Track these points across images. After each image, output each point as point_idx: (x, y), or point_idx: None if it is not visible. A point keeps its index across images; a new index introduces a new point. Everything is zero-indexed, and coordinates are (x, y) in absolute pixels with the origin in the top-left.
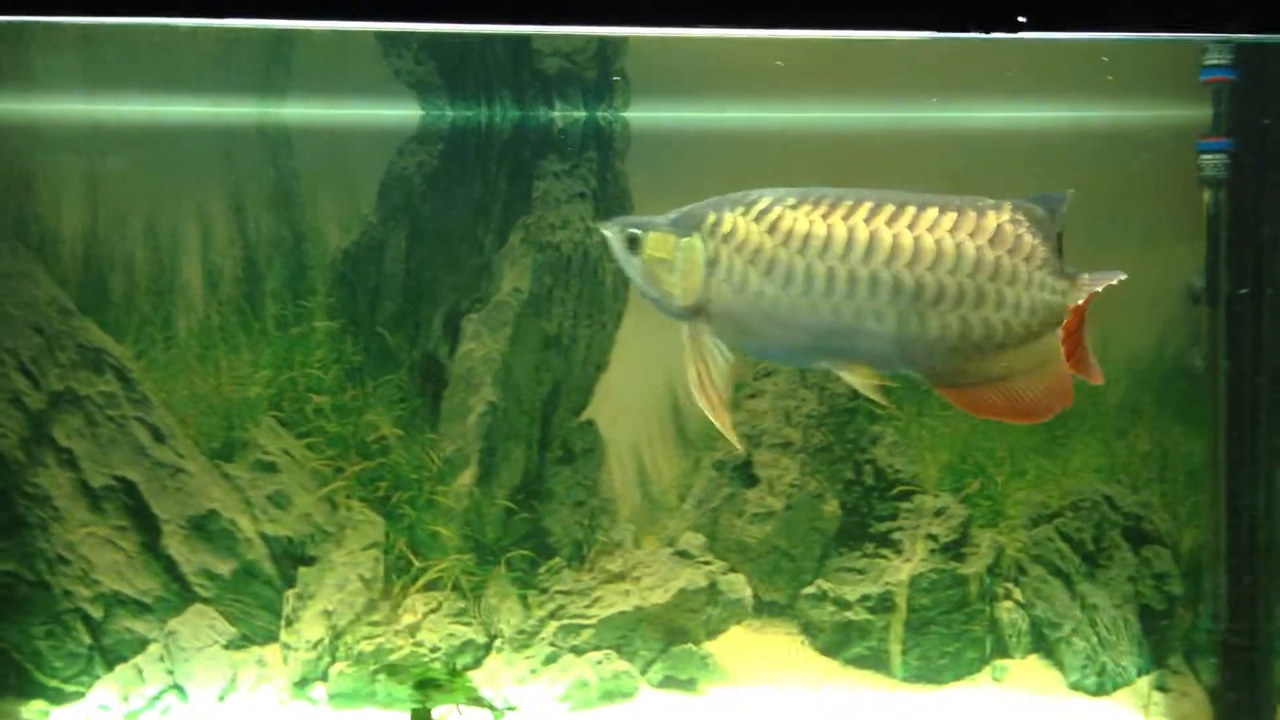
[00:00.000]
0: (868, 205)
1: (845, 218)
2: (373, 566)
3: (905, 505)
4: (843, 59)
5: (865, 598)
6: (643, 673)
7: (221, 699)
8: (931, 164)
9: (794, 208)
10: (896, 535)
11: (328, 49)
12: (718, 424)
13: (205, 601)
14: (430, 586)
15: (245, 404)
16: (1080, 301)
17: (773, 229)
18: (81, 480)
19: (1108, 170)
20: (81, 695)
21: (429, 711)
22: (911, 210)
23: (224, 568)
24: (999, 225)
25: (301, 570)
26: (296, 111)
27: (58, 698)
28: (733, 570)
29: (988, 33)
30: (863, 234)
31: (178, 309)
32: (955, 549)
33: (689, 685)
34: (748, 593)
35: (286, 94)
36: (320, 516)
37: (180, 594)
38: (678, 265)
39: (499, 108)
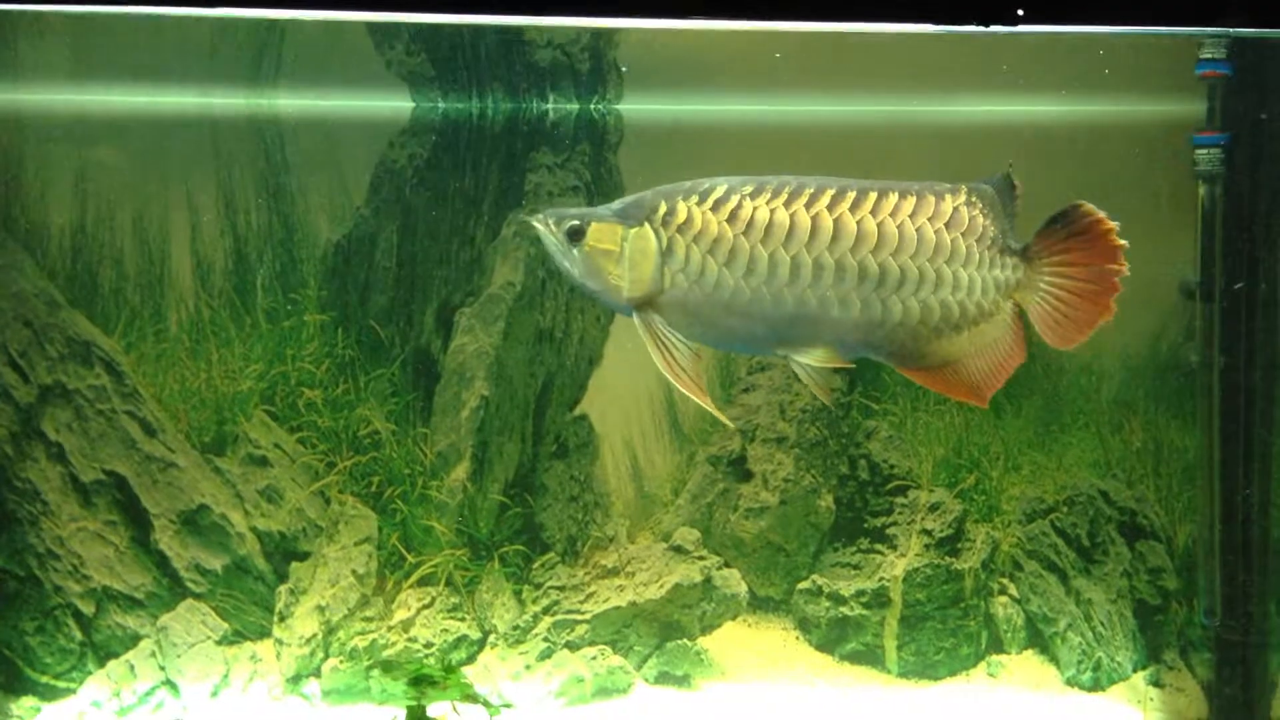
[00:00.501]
0: (829, 193)
1: (807, 206)
2: (366, 562)
3: (900, 500)
4: (840, 52)
5: (860, 593)
6: (637, 668)
7: (214, 695)
8: (925, 158)
9: (753, 196)
10: (891, 530)
11: (318, 40)
12: (703, 404)
13: (197, 597)
14: (424, 582)
15: (236, 398)
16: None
17: (733, 218)
18: (71, 475)
19: (1102, 164)
20: (73, 691)
21: (424, 709)
22: (872, 197)
23: (216, 563)
24: (955, 209)
25: (294, 565)
26: (287, 103)
27: (49, 694)
28: (727, 565)
29: (987, 26)
30: (826, 221)
31: (168, 301)
32: (950, 544)
33: (684, 681)
34: (742, 588)
35: (277, 85)
36: (313, 511)
37: (172, 589)
38: (626, 256)
39: (491, 100)
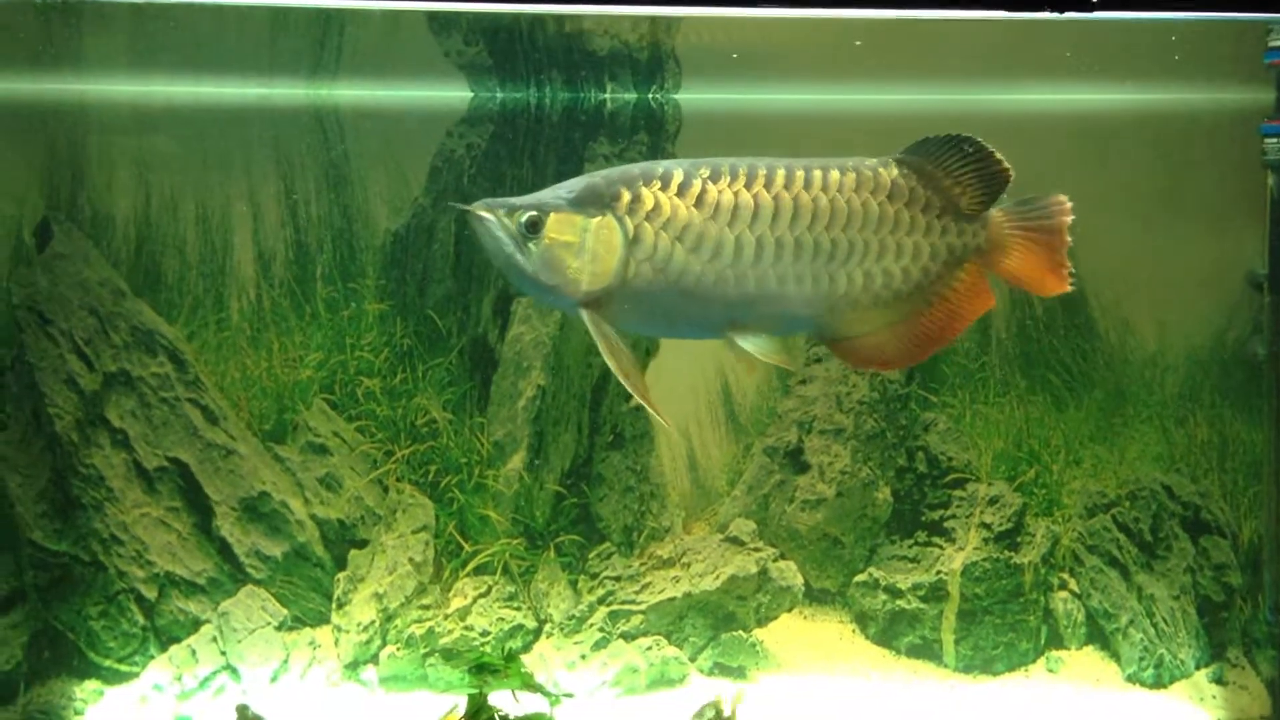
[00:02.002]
0: (780, 173)
1: (766, 186)
2: (423, 550)
3: (958, 493)
4: (902, 40)
5: (917, 586)
6: (692, 659)
7: (274, 680)
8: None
9: (713, 179)
10: (949, 523)
11: (378, 30)
12: (650, 408)
13: (257, 583)
14: (480, 571)
15: (296, 386)
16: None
17: (699, 202)
18: (135, 461)
19: (1169, 154)
20: (135, 675)
21: (486, 697)
22: (818, 175)
23: (276, 549)
24: (893, 180)
25: (352, 553)
26: (347, 93)
27: (112, 678)
28: (783, 557)
29: (1062, 13)
30: (786, 201)
31: (229, 291)
32: (1009, 538)
33: (739, 672)
34: (798, 580)
35: (337, 75)
36: (371, 499)
37: (233, 575)
38: (587, 248)
39: (549, 89)
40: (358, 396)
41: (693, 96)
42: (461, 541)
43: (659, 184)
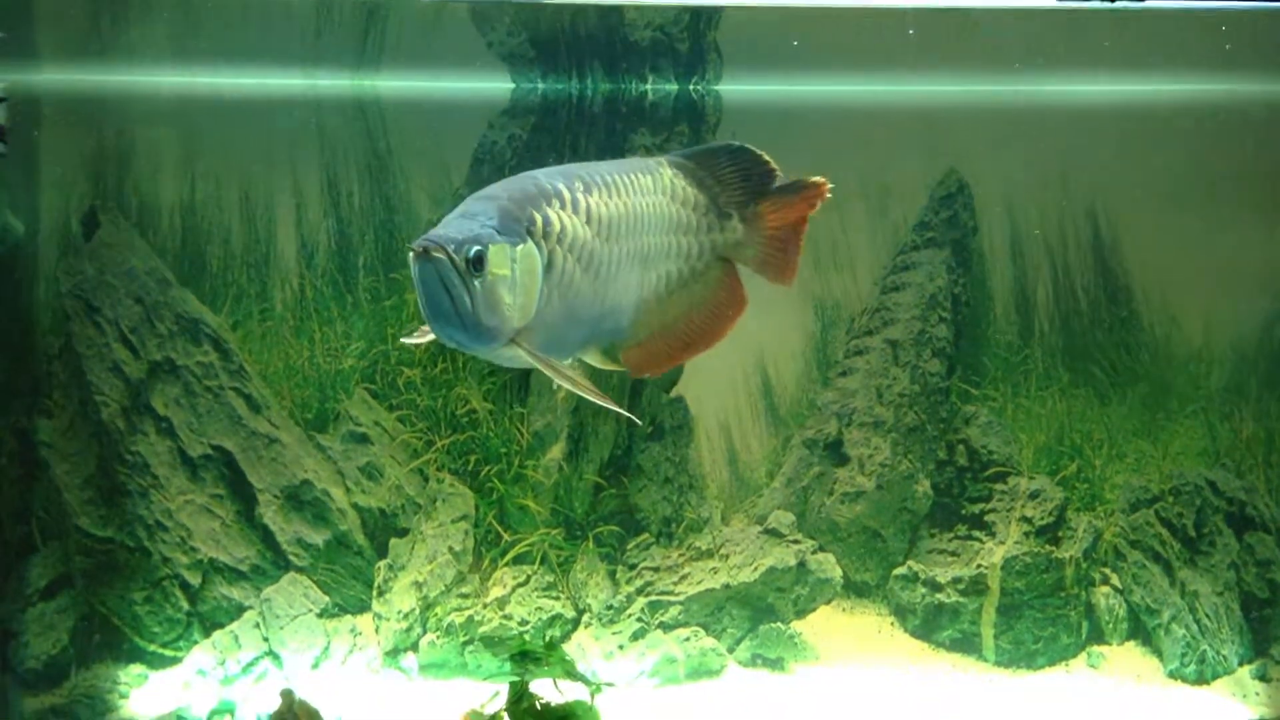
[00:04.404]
0: (617, 179)
1: (618, 195)
2: (462, 539)
3: (999, 487)
4: (941, 30)
5: (957, 580)
6: (730, 650)
7: (315, 666)
8: (1029, 138)
9: (585, 193)
10: (990, 517)
11: (421, 21)
12: (611, 406)
13: (299, 570)
14: (519, 560)
15: (338, 376)
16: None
17: (589, 220)
18: (179, 449)
19: (1218, 146)
20: (179, 660)
21: (527, 684)
22: (633, 179)
23: (317, 537)
24: (672, 181)
25: (393, 541)
26: (389, 84)
27: (156, 662)
28: (822, 550)
29: (1113, 1)
30: (637, 209)
31: (273, 280)
32: (1050, 532)
33: (777, 664)
34: (837, 572)
35: (380, 66)
36: (411, 488)
37: (275, 562)
38: (517, 281)
39: (590, 80)
40: (399, 386)
41: (734, 88)
42: (501, 531)
43: (559, 203)
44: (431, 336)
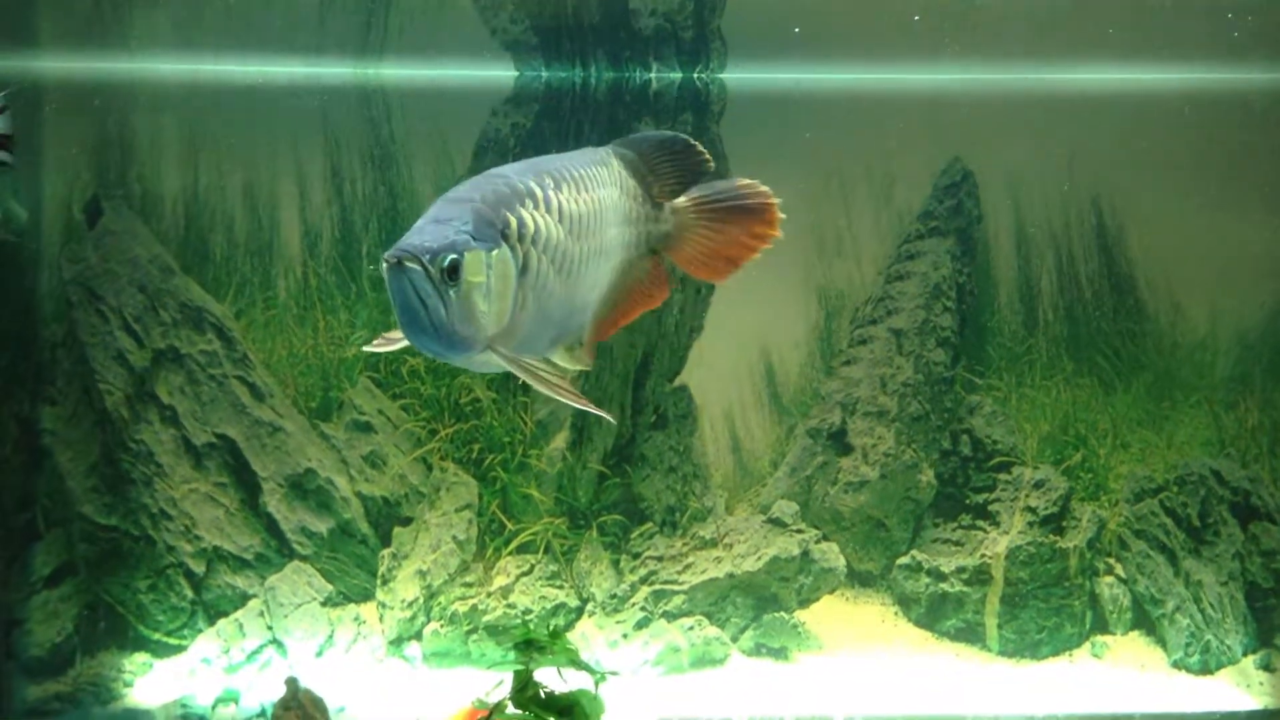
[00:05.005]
0: (578, 173)
1: (584, 189)
2: (466, 528)
3: (1003, 477)
4: (946, 17)
5: (961, 569)
6: (734, 640)
7: (319, 655)
8: (1034, 126)
9: (556, 189)
10: (994, 507)
11: (424, 9)
12: (590, 409)
13: (303, 559)
14: (523, 549)
15: (342, 364)
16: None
17: (561, 218)
18: (184, 437)
19: (1222, 134)
20: (184, 648)
21: (531, 673)
22: (593, 172)
23: (321, 526)
24: (620, 173)
25: (396, 530)
26: (393, 72)
27: (160, 650)
28: (826, 539)
29: None
30: (599, 204)
31: (276, 269)
32: (1055, 522)
33: (781, 653)
34: (841, 562)
35: (383, 54)
36: (415, 477)
37: (279, 551)
38: (492, 288)
39: (594, 68)
40: (402, 375)
41: (738, 76)
42: (504, 520)
43: (531, 203)
44: (402, 343)
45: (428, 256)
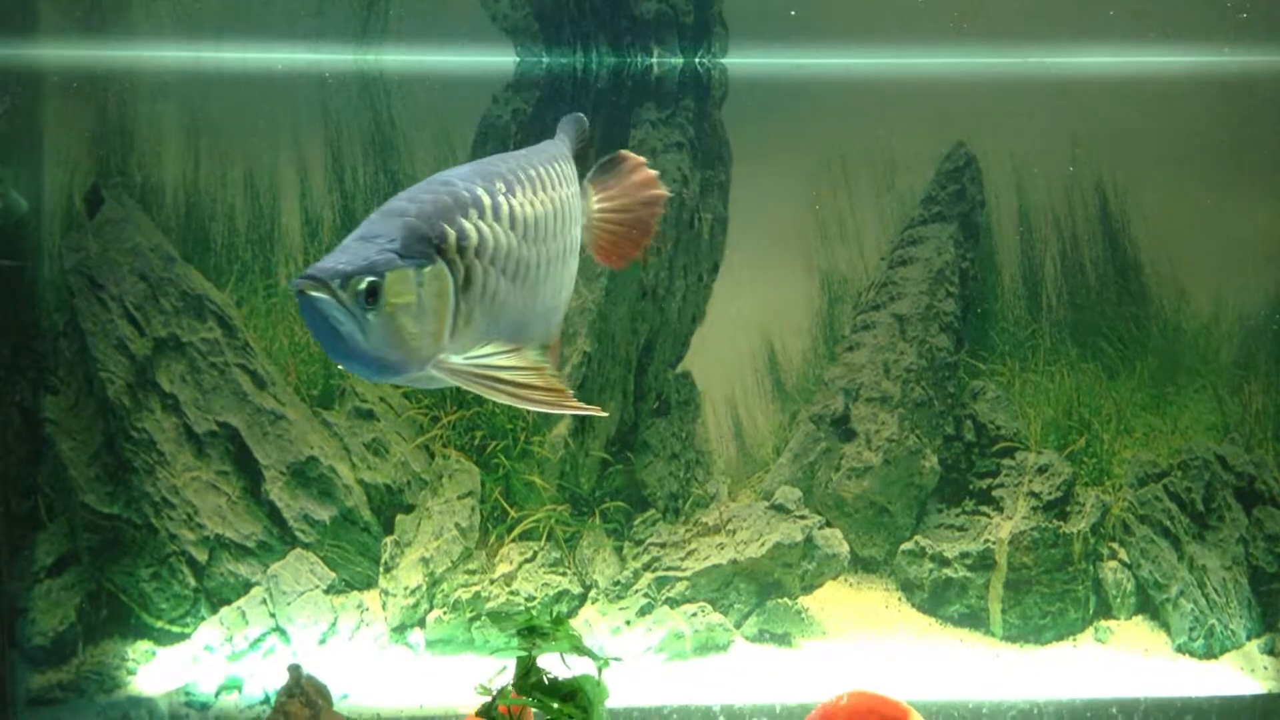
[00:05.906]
0: (535, 172)
1: (541, 190)
2: (469, 515)
3: (1007, 462)
4: (948, 1)
5: (964, 555)
6: (737, 626)
7: (322, 643)
8: (1037, 111)
9: (508, 194)
10: (997, 492)
11: None
12: (585, 410)
13: (306, 546)
14: (525, 536)
15: None
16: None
17: (513, 224)
18: (185, 426)
19: (1227, 118)
20: (187, 636)
21: (534, 659)
22: (550, 170)
23: (324, 514)
24: (567, 169)
25: (399, 518)
26: (394, 58)
27: (163, 638)
28: (829, 525)
29: None
30: (559, 202)
31: (277, 257)
32: (1058, 507)
33: (784, 639)
34: (844, 548)
35: (384, 40)
36: (417, 465)
37: (282, 539)
38: (426, 306)
39: (595, 54)
40: None
41: (740, 61)
42: (507, 507)
43: (476, 211)
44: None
45: (338, 281)
